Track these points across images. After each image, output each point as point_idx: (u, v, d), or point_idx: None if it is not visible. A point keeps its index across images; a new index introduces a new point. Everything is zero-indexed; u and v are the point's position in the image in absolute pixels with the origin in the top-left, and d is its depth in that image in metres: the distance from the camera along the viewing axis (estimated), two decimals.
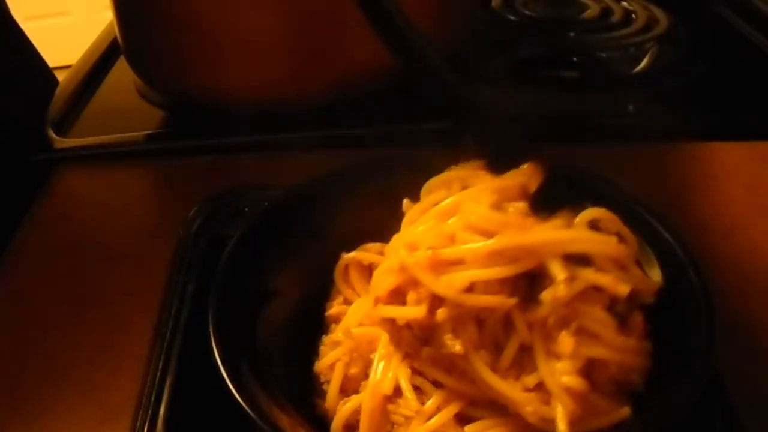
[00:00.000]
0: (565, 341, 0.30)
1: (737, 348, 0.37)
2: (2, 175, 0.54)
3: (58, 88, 0.66)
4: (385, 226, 0.37)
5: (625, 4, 0.73)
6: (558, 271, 0.30)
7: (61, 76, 0.69)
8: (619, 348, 0.31)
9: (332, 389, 0.35)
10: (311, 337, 0.38)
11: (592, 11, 0.71)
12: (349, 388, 0.35)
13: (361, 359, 0.35)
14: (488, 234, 0.31)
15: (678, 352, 0.32)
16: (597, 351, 0.31)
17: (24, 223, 0.51)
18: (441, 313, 0.31)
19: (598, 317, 0.31)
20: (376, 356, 0.34)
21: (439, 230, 0.33)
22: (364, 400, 0.33)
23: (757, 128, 0.55)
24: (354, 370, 0.35)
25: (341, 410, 0.34)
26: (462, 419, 0.32)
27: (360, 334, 0.35)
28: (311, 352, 0.37)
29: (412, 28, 0.33)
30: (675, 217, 0.36)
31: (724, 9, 0.72)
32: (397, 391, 0.33)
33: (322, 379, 0.36)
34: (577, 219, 0.33)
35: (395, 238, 0.35)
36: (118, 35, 0.62)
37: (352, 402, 0.34)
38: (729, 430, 0.33)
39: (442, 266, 0.31)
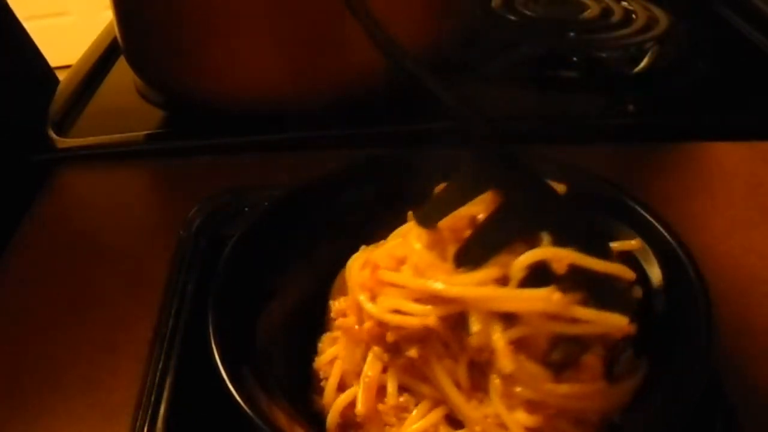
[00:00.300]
0: (494, 384, 0.31)
1: (737, 348, 0.37)
2: (3, 174, 0.54)
3: (59, 88, 0.66)
4: (386, 227, 0.37)
5: (625, 4, 0.73)
6: (472, 324, 0.30)
7: (61, 76, 0.69)
8: (551, 394, 0.30)
9: (330, 385, 0.35)
10: (311, 336, 0.38)
11: (592, 11, 0.71)
12: (347, 384, 0.35)
13: (360, 350, 0.35)
14: (419, 272, 0.32)
15: (678, 352, 0.32)
16: (530, 395, 0.30)
17: (24, 223, 0.51)
18: (390, 335, 0.32)
19: (522, 366, 0.30)
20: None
21: (392, 251, 0.34)
22: (363, 379, 0.33)
23: (757, 128, 0.54)
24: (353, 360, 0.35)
25: (337, 402, 0.34)
26: (455, 422, 0.32)
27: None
28: (311, 350, 0.37)
29: (383, 29, 0.33)
30: (675, 217, 0.36)
31: (724, 9, 0.72)
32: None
33: (321, 375, 0.36)
34: (515, 264, 0.30)
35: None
36: (118, 35, 0.62)
37: (347, 394, 0.34)
38: (729, 430, 0.33)
39: (381, 286, 0.33)
